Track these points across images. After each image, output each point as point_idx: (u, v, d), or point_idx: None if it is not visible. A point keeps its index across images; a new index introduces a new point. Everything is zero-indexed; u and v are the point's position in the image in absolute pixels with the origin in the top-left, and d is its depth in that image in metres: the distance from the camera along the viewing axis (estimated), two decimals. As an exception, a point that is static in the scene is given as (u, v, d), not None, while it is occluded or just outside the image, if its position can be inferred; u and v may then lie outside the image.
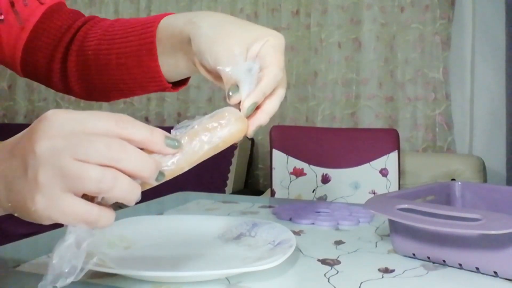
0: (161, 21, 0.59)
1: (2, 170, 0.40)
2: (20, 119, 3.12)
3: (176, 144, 0.41)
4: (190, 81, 2.50)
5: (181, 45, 0.56)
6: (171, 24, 0.57)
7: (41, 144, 0.37)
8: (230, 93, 0.48)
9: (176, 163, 0.42)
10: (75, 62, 0.65)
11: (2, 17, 0.63)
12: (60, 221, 0.39)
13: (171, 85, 0.63)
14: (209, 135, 0.44)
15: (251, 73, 0.48)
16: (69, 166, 0.37)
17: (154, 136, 0.40)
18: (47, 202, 0.37)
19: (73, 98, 3.02)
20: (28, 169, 0.37)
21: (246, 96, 0.48)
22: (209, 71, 0.54)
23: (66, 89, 0.69)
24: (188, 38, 0.54)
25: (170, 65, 0.60)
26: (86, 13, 3.53)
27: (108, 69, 0.63)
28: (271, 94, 0.50)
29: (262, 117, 0.49)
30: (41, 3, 0.66)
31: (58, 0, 0.68)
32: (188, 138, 0.43)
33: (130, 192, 0.39)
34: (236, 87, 0.48)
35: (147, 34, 0.59)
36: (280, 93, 0.51)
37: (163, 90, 0.63)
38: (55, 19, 0.66)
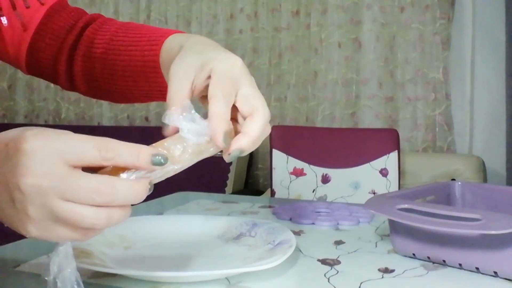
0: (164, 43, 0.57)
1: None
2: (20, 119, 3.12)
3: (162, 161, 0.40)
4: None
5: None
6: (169, 53, 0.55)
7: (26, 182, 0.36)
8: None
9: (164, 175, 0.42)
10: (81, 67, 0.65)
11: (6, 20, 0.63)
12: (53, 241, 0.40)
13: None
14: (197, 155, 0.44)
15: (195, 122, 0.44)
16: (60, 208, 0.36)
17: (140, 160, 0.39)
18: (40, 232, 0.38)
19: (73, 98, 3.02)
20: (16, 202, 0.37)
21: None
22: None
23: (73, 89, 0.70)
24: None
25: None
26: (86, 13, 3.48)
27: (114, 79, 0.63)
28: (251, 117, 0.47)
29: (243, 140, 0.45)
30: (42, 4, 0.65)
31: None
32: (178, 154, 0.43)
33: (123, 219, 0.39)
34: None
35: (151, 52, 0.58)
36: (257, 118, 0.47)
37: None
38: (56, 19, 0.66)
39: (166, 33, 0.58)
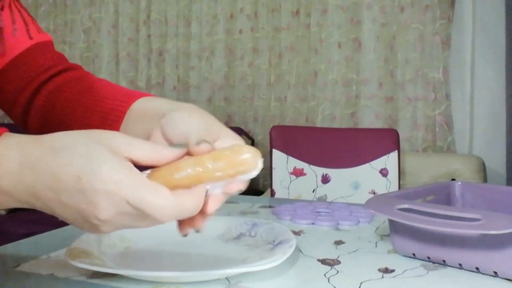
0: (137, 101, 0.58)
1: (47, 206, 0.41)
2: (20, 119, 3.12)
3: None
4: (190, 81, 2.52)
5: (153, 120, 0.54)
6: (147, 105, 0.57)
7: (104, 217, 0.41)
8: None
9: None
10: (43, 101, 0.65)
11: None
12: None
13: None
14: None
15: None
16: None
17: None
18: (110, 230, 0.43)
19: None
20: (92, 224, 0.41)
21: None
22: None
23: (24, 124, 0.69)
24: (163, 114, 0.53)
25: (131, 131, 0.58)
26: (86, 13, 3.50)
27: (71, 121, 0.62)
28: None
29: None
30: (30, 38, 0.65)
31: (47, 39, 0.68)
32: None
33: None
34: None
35: (122, 102, 0.59)
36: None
37: None
38: (38, 56, 0.66)
39: (134, 98, 0.59)
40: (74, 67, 0.68)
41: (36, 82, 0.65)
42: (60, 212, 0.41)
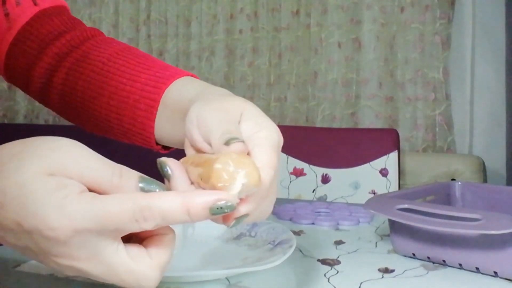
0: (174, 82, 0.50)
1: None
2: (20, 119, 3.12)
3: (226, 210, 0.32)
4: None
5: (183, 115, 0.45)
6: (181, 94, 0.48)
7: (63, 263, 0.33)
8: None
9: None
10: (63, 79, 0.57)
11: None
12: None
13: (160, 147, 0.54)
14: None
15: None
16: None
17: (193, 218, 0.32)
18: None
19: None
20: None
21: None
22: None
23: (43, 101, 0.61)
24: None
25: (166, 130, 0.51)
26: (86, 13, 3.50)
27: (95, 103, 0.54)
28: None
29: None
30: (35, 4, 0.59)
31: (58, 4, 0.61)
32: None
33: None
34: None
35: (154, 89, 0.50)
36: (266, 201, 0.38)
37: (150, 148, 0.54)
38: (45, 23, 0.58)
39: (176, 74, 0.51)
40: (91, 35, 0.59)
41: (48, 54, 0.57)
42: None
